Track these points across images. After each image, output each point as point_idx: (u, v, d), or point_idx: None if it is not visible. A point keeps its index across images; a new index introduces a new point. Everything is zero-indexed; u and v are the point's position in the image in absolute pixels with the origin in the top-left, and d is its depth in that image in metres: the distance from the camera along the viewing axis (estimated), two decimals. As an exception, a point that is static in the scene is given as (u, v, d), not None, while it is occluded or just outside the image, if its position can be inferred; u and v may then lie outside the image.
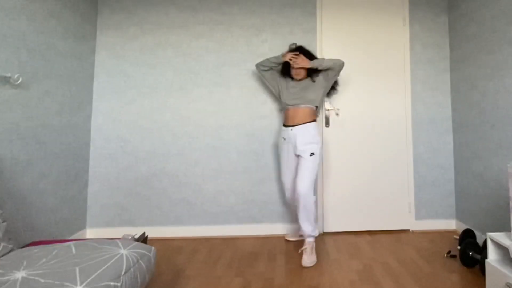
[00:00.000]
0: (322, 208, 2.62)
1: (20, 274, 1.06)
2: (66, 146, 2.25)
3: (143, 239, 1.88)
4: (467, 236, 2.15)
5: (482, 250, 1.80)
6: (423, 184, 2.67)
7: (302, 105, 2.16)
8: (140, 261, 1.27)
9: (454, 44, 2.68)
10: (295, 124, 2.16)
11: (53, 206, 2.13)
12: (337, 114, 2.66)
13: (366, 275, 1.86)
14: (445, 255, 2.13)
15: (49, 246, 1.31)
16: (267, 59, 2.29)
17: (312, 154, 2.07)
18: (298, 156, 2.15)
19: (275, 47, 2.67)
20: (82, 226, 2.48)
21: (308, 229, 2.07)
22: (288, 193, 2.31)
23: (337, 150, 2.66)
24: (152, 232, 2.55)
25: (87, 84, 2.52)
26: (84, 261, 1.15)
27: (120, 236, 2.54)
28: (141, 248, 1.34)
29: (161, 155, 2.60)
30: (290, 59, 2.18)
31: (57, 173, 2.16)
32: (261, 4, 2.70)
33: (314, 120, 2.19)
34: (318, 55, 2.64)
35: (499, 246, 1.58)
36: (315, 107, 2.20)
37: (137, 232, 2.55)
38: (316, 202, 2.05)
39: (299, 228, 2.35)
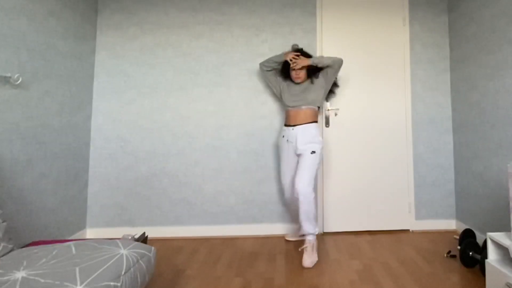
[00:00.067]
0: (322, 208, 2.62)
1: (20, 274, 1.06)
2: (66, 146, 2.25)
3: (143, 239, 1.88)
4: (467, 236, 2.15)
5: (482, 250, 1.80)
6: (423, 184, 2.67)
7: (304, 106, 2.17)
8: (140, 261, 1.27)
9: (454, 44, 2.68)
10: (296, 124, 2.17)
11: (53, 206, 2.13)
12: (335, 114, 2.66)
13: (366, 275, 1.86)
14: (445, 255, 2.13)
15: (49, 246, 1.31)
16: (270, 58, 2.31)
17: (313, 152, 2.07)
18: (298, 155, 2.15)
19: (275, 47, 2.67)
20: (82, 226, 2.48)
21: (308, 227, 2.05)
22: (287, 193, 2.31)
23: (337, 150, 2.66)
24: (152, 232, 2.55)
25: (87, 84, 2.52)
26: (84, 261, 1.15)
27: (120, 236, 2.54)
28: (141, 248, 1.34)
29: (161, 155, 2.60)
30: (291, 60, 2.18)
31: (57, 173, 2.16)
32: (261, 4, 2.70)
33: (316, 121, 2.19)
34: (318, 55, 2.64)
35: (499, 246, 1.58)
36: (316, 108, 2.20)
37: (137, 232, 2.55)
38: (316, 200, 2.04)
39: (299, 228, 2.35)
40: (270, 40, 2.68)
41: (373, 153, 2.67)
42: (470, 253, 1.91)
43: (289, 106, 2.21)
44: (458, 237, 2.41)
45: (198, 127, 2.63)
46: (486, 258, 1.66)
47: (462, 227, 2.54)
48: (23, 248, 1.34)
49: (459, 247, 2.13)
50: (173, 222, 2.57)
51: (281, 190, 2.61)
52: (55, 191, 2.14)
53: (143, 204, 2.57)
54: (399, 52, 2.73)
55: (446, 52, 2.76)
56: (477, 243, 1.93)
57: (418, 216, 2.66)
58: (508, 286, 1.38)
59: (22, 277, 1.04)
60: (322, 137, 2.64)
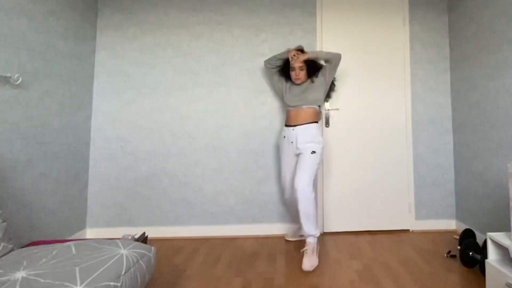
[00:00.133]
0: (322, 208, 2.62)
1: (20, 274, 1.06)
2: (66, 146, 2.25)
3: (143, 239, 1.89)
4: (467, 236, 2.15)
5: (482, 250, 1.80)
6: (423, 184, 2.67)
7: (304, 106, 2.17)
8: (140, 261, 1.27)
9: (454, 44, 2.68)
10: (297, 124, 2.16)
11: (53, 206, 2.13)
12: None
13: (366, 275, 1.86)
14: (445, 255, 2.13)
15: (49, 246, 1.31)
16: (274, 56, 2.34)
17: (313, 152, 2.07)
18: (298, 155, 2.15)
19: (275, 47, 2.67)
20: (82, 226, 2.48)
21: (309, 228, 2.02)
22: (287, 194, 2.30)
23: (337, 150, 2.66)
24: (152, 232, 2.55)
25: (87, 84, 2.52)
26: (84, 261, 1.15)
27: (120, 236, 2.54)
28: (141, 248, 1.34)
29: (161, 155, 2.60)
30: (292, 57, 2.19)
31: (57, 173, 2.16)
32: (261, 4, 2.70)
33: (316, 121, 2.18)
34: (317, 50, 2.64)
35: (499, 246, 1.58)
36: (317, 107, 2.20)
37: (137, 232, 2.55)
38: (316, 200, 2.03)
39: (299, 228, 2.35)
40: (270, 40, 2.68)
41: (373, 153, 2.67)
42: (470, 253, 1.91)
43: (290, 106, 2.22)
44: (458, 237, 2.41)
45: (198, 127, 2.63)
46: (486, 258, 1.66)
47: (462, 227, 2.54)
48: (23, 248, 1.34)
49: (459, 247, 2.14)
50: (173, 222, 2.57)
51: (281, 190, 2.61)
52: (55, 191, 2.14)
53: (143, 204, 2.57)
54: (399, 52, 2.73)
55: (446, 52, 2.76)
56: (477, 243, 1.93)
57: (418, 216, 2.66)
58: (508, 286, 1.38)
59: (22, 277, 1.04)
60: (323, 137, 2.64)
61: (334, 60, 2.16)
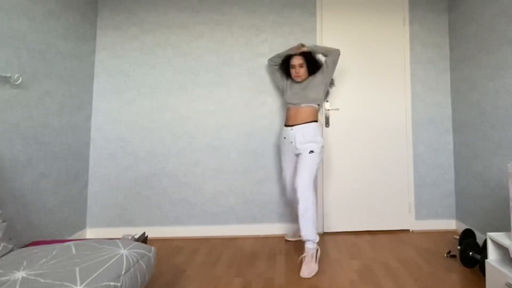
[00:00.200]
0: (322, 208, 2.62)
1: (20, 274, 1.06)
2: (66, 146, 2.25)
3: (143, 239, 1.89)
4: (467, 236, 2.15)
5: (482, 250, 1.80)
6: (423, 184, 2.67)
7: (303, 105, 2.16)
8: (140, 261, 1.27)
9: (454, 44, 2.68)
10: (295, 124, 2.16)
11: (53, 206, 2.13)
12: (332, 113, 2.65)
13: (366, 275, 1.86)
14: (445, 255, 2.13)
15: (49, 246, 1.31)
16: (277, 54, 2.40)
17: (312, 152, 2.06)
18: (297, 155, 2.14)
19: (275, 47, 2.67)
20: (82, 226, 2.48)
21: (307, 233, 1.97)
22: (289, 194, 2.31)
23: (337, 150, 2.66)
24: (152, 232, 2.55)
25: (87, 84, 2.52)
26: (84, 261, 1.15)
27: (120, 236, 2.54)
28: (141, 248, 1.34)
29: (161, 155, 2.60)
30: (296, 51, 2.25)
31: (57, 173, 2.16)
32: (261, 4, 2.70)
33: (315, 121, 2.17)
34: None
35: (499, 246, 1.58)
36: (316, 106, 2.19)
37: (137, 232, 2.55)
38: (316, 203, 2.02)
39: (299, 228, 2.34)
40: (270, 40, 2.68)
41: (373, 153, 2.67)
42: (470, 253, 1.91)
43: (290, 104, 2.21)
44: (458, 237, 2.42)
45: (198, 127, 2.63)
46: (486, 258, 1.66)
47: (462, 227, 2.54)
48: (23, 248, 1.34)
49: (459, 247, 2.14)
50: (173, 222, 2.57)
51: (281, 190, 2.61)
52: (55, 191, 2.14)
53: (143, 204, 2.57)
54: (399, 52, 2.73)
55: (446, 52, 2.75)
56: (477, 243, 1.93)
57: (418, 216, 2.66)
58: (508, 286, 1.38)
59: (22, 277, 1.04)
60: (323, 137, 2.63)
61: (332, 55, 2.17)
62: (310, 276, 1.86)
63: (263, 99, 2.66)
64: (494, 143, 2.17)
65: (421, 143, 2.69)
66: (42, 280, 1.02)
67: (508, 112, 2.03)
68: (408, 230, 2.65)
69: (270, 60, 2.44)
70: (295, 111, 2.18)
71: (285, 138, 2.23)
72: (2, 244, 1.29)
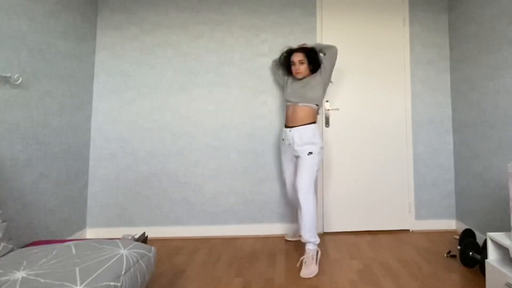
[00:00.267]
0: (322, 208, 2.62)
1: (20, 274, 1.06)
2: (66, 146, 2.25)
3: (143, 239, 1.89)
4: (467, 236, 2.15)
5: (482, 250, 1.80)
6: (423, 184, 2.67)
7: (301, 104, 2.14)
8: (140, 261, 1.27)
9: (454, 44, 2.68)
10: (294, 125, 2.14)
11: (53, 206, 2.13)
12: (331, 113, 2.65)
13: (366, 275, 1.86)
14: (445, 255, 2.13)
15: (49, 246, 1.31)
16: (281, 54, 2.39)
17: (310, 153, 2.05)
18: (297, 157, 2.14)
19: (275, 47, 2.67)
20: (82, 226, 2.48)
21: (307, 235, 1.97)
22: (290, 194, 2.31)
23: (337, 150, 2.66)
24: (152, 232, 2.55)
25: (87, 84, 2.52)
26: (84, 261, 1.15)
27: (120, 236, 2.54)
28: (141, 248, 1.34)
29: (161, 155, 2.60)
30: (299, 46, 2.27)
31: (57, 173, 2.16)
32: (261, 4, 2.70)
33: (314, 122, 2.15)
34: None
35: (499, 246, 1.58)
36: (315, 106, 2.17)
37: (137, 232, 2.55)
38: (316, 206, 2.01)
39: (299, 228, 2.34)
40: (270, 40, 2.68)
41: (373, 153, 2.67)
42: (470, 253, 1.91)
43: (288, 101, 2.21)
44: (458, 237, 2.42)
45: (198, 127, 2.63)
46: (486, 258, 1.66)
47: (462, 227, 2.54)
48: (23, 248, 1.34)
49: (459, 247, 2.13)
50: (173, 222, 2.57)
51: (281, 190, 2.61)
52: (55, 191, 2.14)
53: (143, 204, 2.57)
54: (399, 52, 2.73)
55: (446, 52, 2.75)
56: (477, 243, 1.93)
57: (418, 216, 2.66)
58: (508, 286, 1.38)
59: (22, 277, 1.04)
60: (322, 138, 2.64)
61: (330, 52, 2.17)
62: (309, 276, 1.86)
63: (263, 99, 2.66)
64: (494, 143, 2.17)
65: (421, 143, 2.69)
66: (42, 280, 1.02)
67: (508, 112, 2.03)
68: (408, 230, 2.65)
69: (274, 60, 2.47)
70: (293, 110, 2.16)
71: (284, 139, 2.22)
72: (2, 244, 1.29)
